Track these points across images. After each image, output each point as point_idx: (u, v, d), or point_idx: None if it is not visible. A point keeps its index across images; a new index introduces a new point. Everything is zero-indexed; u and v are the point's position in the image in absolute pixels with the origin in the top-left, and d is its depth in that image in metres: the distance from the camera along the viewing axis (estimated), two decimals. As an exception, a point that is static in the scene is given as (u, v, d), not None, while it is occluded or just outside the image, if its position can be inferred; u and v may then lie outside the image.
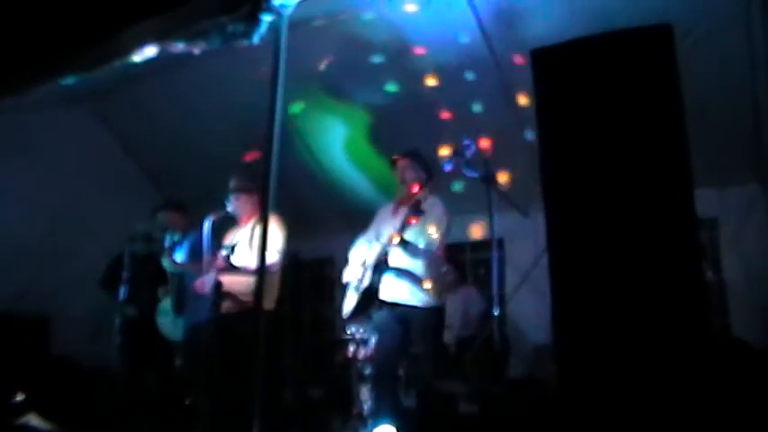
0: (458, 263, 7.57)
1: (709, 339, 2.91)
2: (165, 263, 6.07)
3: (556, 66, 3.18)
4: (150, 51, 4.29)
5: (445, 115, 6.41)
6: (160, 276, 6.33)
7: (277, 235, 5.31)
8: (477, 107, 6.36)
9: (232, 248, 5.32)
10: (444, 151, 5.41)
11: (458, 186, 6.01)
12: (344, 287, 5.39)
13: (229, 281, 5.30)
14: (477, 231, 5.92)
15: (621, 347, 2.84)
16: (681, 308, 2.82)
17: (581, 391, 2.83)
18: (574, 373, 2.88)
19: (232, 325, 5.20)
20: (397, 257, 5.10)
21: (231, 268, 5.29)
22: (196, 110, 7.33)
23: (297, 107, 6.79)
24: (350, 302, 5.29)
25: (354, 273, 5.30)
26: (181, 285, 5.99)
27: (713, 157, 5.57)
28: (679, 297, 2.82)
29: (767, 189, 5.91)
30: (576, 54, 3.15)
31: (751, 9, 4.69)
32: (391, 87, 6.57)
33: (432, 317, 5.17)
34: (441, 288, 5.21)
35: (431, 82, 6.34)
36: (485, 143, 5.89)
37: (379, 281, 5.12)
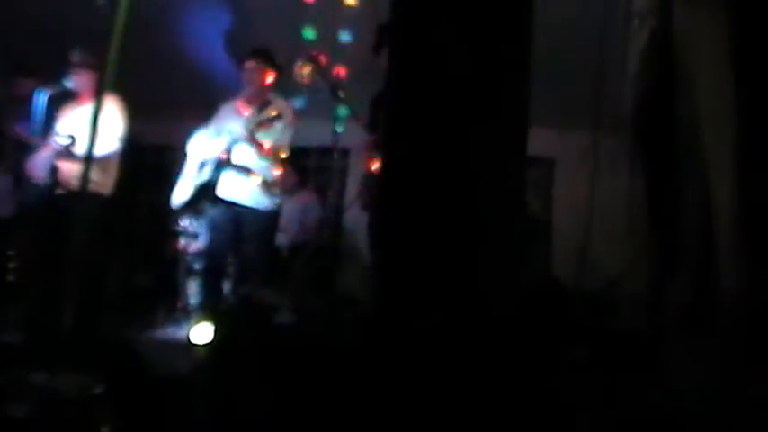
0: (300, 168, 7.56)
1: (526, 275, 3.05)
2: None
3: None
4: None
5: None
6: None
7: (118, 121, 5.10)
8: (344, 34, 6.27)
9: (73, 138, 5.01)
10: (305, 68, 5.30)
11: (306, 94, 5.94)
12: (178, 177, 5.29)
13: (67, 166, 5.06)
14: (322, 139, 5.89)
15: (440, 275, 2.92)
16: (502, 241, 2.93)
17: (396, 315, 2.92)
18: (391, 296, 2.96)
19: (62, 206, 5.00)
20: (240, 156, 5.04)
21: (70, 155, 5.03)
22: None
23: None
24: (182, 194, 5.20)
25: (192, 165, 5.20)
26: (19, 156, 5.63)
27: (559, 102, 5.75)
28: (502, 230, 2.93)
29: (601, 139, 6.17)
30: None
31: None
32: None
33: (266, 220, 5.18)
34: (279, 190, 5.21)
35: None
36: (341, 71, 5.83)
37: (218, 177, 5.06)
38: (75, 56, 5.20)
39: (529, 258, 3.65)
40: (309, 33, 6.14)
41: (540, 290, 3.96)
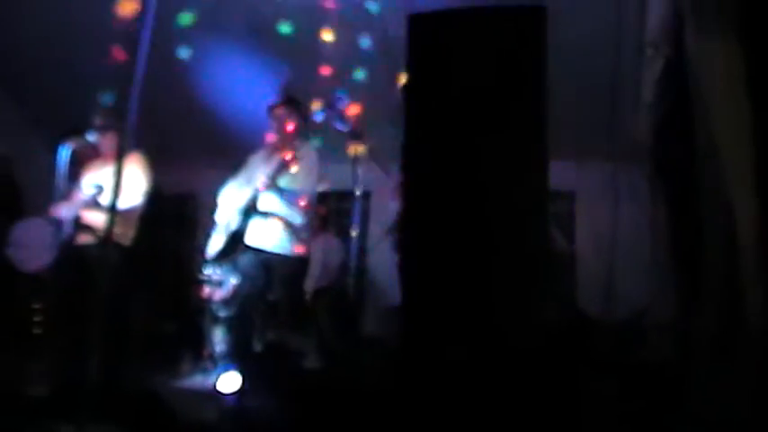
0: (321, 211, 7.59)
1: (552, 309, 3.04)
2: None
3: (430, 33, 3.22)
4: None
5: (325, 71, 6.34)
6: (14, 200, 6.05)
7: (141, 177, 5.18)
8: (359, 72, 6.35)
9: (100, 188, 5.08)
10: (317, 104, 5.36)
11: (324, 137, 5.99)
12: (210, 227, 5.34)
13: (90, 217, 5.12)
14: (342, 182, 5.92)
15: (466, 313, 2.92)
16: (525, 276, 2.92)
17: (422, 354, 2.91)
18: (416, 336, 2.95)
19: (86, 256, 5.05)
20: (267, 204, 5.08)
21: (95, 206, 5.09)
22: (62, 22, 6.98)
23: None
24: (216, 244, 5.25)
25: (223, 215, 5.25)
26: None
27: (577, 134, 5.76)
28: (524, 265, 2.93)
29: (620, 169, 6.15)
30: (450, 23, 3.21)
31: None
32: (285, 29, 6.46)
33: (295, 266, 5.21)
34: (305, 236, 5.23)
35: (326, 37, 6.27)
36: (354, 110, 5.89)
37: (246, 225, 5.10)
38: (98, 119, 5.28)
39: (553, 292, 3.63)
40: (325, 71, 6.21)
41: (565, 323, 3.94)
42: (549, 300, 3.02)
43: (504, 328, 2.86)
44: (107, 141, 5.30)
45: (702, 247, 2.83)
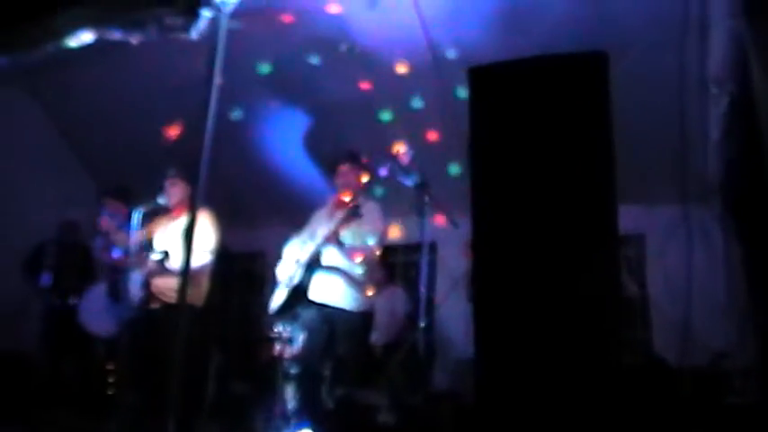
0: (388, 264, 7.60)
1: (629, 356, 2.98)
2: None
3: (492, 85, 3.23)
4: (87, 37, 4.21)
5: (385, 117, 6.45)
6: (85, 266, 6.22)
7: (210, 234, 5.27)
8: (416, 107, 6.43)
9: (166, 253, 5.20)
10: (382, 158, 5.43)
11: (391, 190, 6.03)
12: (275, 283, 5.38)
13: (160, 280, 5.22)
14: (409, 234, 5.95)
15: (540, 364, 2.88)
16: (600, 324, 2.87)
17: (497, 407, 2.87)
18: (491, 388, 2.92)
19: (158, 320, 5.13)
20: (330, 259, 5.11)
21: (163, 271, 5.20)
22: (135, 96, 7.23)
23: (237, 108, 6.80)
24: (278, 299, 5.28)
25: (286, 270, 5.30)
26: (117, 277, 5.85)
27: (643, 176, 5.69)
28: (598, 313, 2.88)
29: (690, 210, 6.07)
30: (512, 74, 3.21)
31: (687, 35, 4.81)
32: (333, 85, 6.58)
33: (359, 321, 5.20)
34: (370, 290, 5.24)
35: (371, 82, 6.38)
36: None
37: (309, 280, 5.13)
38: (172, 172, 5.43)
39: (629, 338, 3.55)
40: (386, 116, 6.30)
41: (643, 369, 3.85)
42: (624, 346, 2.96)
43: (579, 377, 2.81)
44: (176, 193, 5.42)
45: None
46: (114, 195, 6.31)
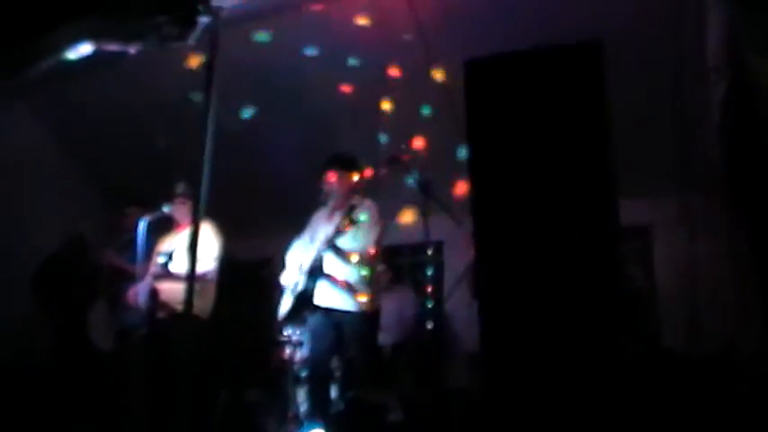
0: (395, 265, 7.60)
1: (635, 348, 2.97)
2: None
3: (488, 77, 3.23)
4: (85, 49, 4.21)
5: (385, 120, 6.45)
6: (93, 279, 6.23)
7: (213, 242, 5.29)
8: (418, 114, 6.43)
9: (170, 256, 5.23)
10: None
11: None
12: (282, 289, 5.38)
13: (166, 288, 5.25)
14: (413, 234, 5.95)
15: (546, 357, 2.88)
16: (604, 316, 2.87)
17: (506, 401, 2.87)
18: (499, 382, 2.92)
19: (166, 330, 5.15)
20: (332, 264, 5.12)
21: (168, 275, 5.22)
22: (133, 107, 7.25)
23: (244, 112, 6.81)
24: (285, 305, 5.29)
25: (290, 276, 5.30)
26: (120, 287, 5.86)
27: (648, 169, 5.69)
28: (602, 305, 2.88)
29: (695, 200, 6.06)
30: (508, 66, 3.21)
31: (685, 25, 4.80)
32: (331, 90, 6.59)
33: (365, 322, 5.19)
34: (374, 293, 5.23)
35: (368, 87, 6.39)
36: (418, 143, 5.94)
37: (313, 286, 5.14)
38: (180, 188, 5.45)
39: (634, 329, 3.55)
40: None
41: (651, 361, 3.85)
42: (630, 337, 2.96)
43: (586, 369, 2.81)
44: (183, 208, 5.44)
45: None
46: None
